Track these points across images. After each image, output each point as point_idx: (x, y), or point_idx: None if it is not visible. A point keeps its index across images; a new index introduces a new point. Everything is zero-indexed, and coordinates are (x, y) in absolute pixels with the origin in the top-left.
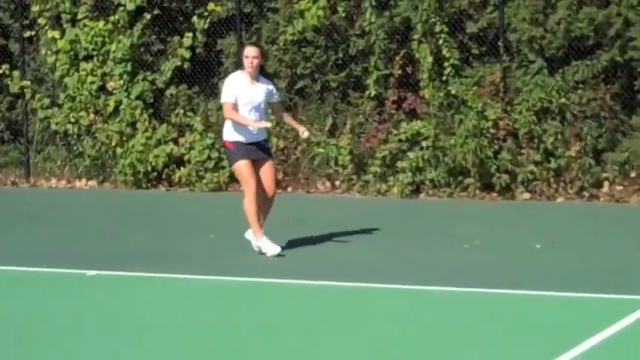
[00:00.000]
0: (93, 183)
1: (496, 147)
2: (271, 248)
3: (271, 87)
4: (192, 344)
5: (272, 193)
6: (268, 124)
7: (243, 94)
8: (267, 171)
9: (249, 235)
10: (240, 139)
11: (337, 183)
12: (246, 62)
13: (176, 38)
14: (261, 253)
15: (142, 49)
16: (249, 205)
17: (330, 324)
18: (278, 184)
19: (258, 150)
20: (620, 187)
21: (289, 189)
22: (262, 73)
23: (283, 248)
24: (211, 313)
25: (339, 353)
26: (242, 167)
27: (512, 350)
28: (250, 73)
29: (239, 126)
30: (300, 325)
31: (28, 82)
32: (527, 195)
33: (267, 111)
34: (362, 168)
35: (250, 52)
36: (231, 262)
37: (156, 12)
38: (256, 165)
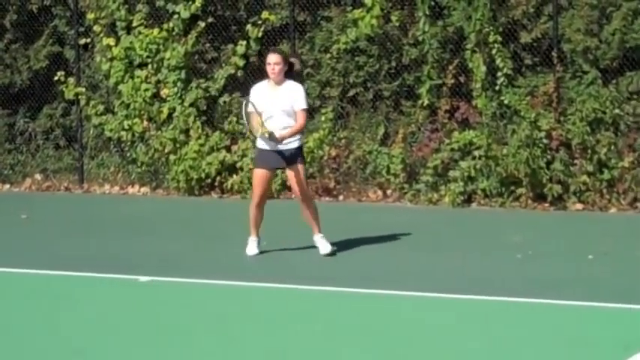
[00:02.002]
0: (146, 189)
1: (549, 157)
2: (249, 250)
3: (297, 93)
4: (249, 346)
5: (300, 199)
6: (269, 134)
7: (262, 101)
8: (291, 178)
9: (317, 238)
10: (261, 146)
11: (389, 192)
12: (268, 69)
13: (230, 46)
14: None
15: (196, 57)
16: (251, 209)
17: (384, 332)
18: (329, 192)
19: (281, 157)
20: None
21: (341, 197)
22: (294, 79)
23: (334, 253)
24: (263, 319)
25: None
26: (257, 176)
27: None
28: (273, 79)
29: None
30: (355, 334)
31: (83, 89)
32: (579, 206)
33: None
34: (414, 177)
35: (271, 58)
36: (283, 268)
37: (210, 20)
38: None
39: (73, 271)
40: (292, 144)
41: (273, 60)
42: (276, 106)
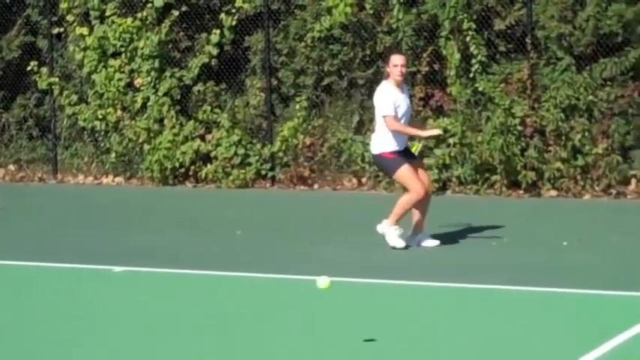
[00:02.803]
0: (120, 179)
1: (523, 144)
2: (396, 241)
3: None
4: (224, 338)
5: (430, 190)
6: (438, 131)
7: (399, 104)
8: (422, 171)
9: (382, 227)
10: (397, 148)
11: (364, 180)
12: (395, 71)
13: (204, 35)
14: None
15: (170, 46)
16: (409, 203)
17: (358, 320)
18: (304, 180)
19: (408, 154)
20: None
21: (316, 186)
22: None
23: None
24: (235, 308)
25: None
26: (408, 171)
27: (536, 348)
28: (398, 81)
29: (397, 136)
30: (324, 323)
31: (56, 79)
32: (553, 192)
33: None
34: None
35: (399, 60)
36: (257, 257)
37: (184, 9)
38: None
39: (47, 262)
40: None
41: (401, 62)
42: (406, 107)
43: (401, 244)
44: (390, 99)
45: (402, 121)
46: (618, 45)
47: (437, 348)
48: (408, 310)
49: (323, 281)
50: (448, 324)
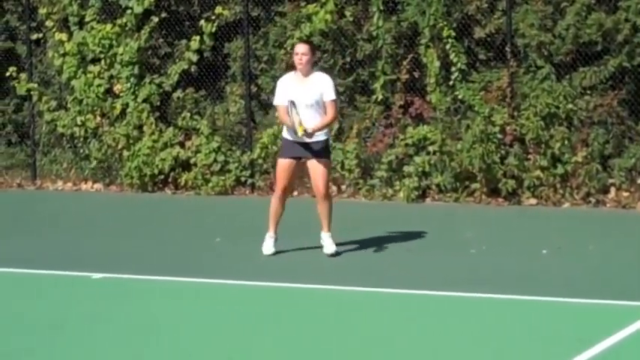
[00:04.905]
0: (99, 186)
1: (503, 152)
2: (265, 248)
3: (325, 84)
4: (201, 346)
5: (320, 194)
6: (305, 131)
7: (292, 94)
8: (314, 171)
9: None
10: (288, 137)
11: (343, 187)
12: (295, 59)
13: (183, 41)
14: None
15: (150, 52)
16: (272, 201)
17: (344, 329)
18: None
19: (306, 149)
20: (626, 194)
21: (295, 193)
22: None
23: (338, 254)
24: (213, 316)
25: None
26: (280, 167)
27: (515, 356)
28: (300, 70)
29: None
30: (307, 329)
31: (35, 85)
32: (533, 200)
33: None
34: (368, 172)
35: (298, 48)
36: (237, 265)
37: (163, 15)
38: (306, 164)
39: (25, 269)
40: (319, 137)
41: (300, 50)
42: (305, 98)
43: (268, 250)
44: (280, 89)
45: (307, 111)
46: (598, 54)
47: (412, 354)
48: (388, 317)
49: None
50: (424, 331)
